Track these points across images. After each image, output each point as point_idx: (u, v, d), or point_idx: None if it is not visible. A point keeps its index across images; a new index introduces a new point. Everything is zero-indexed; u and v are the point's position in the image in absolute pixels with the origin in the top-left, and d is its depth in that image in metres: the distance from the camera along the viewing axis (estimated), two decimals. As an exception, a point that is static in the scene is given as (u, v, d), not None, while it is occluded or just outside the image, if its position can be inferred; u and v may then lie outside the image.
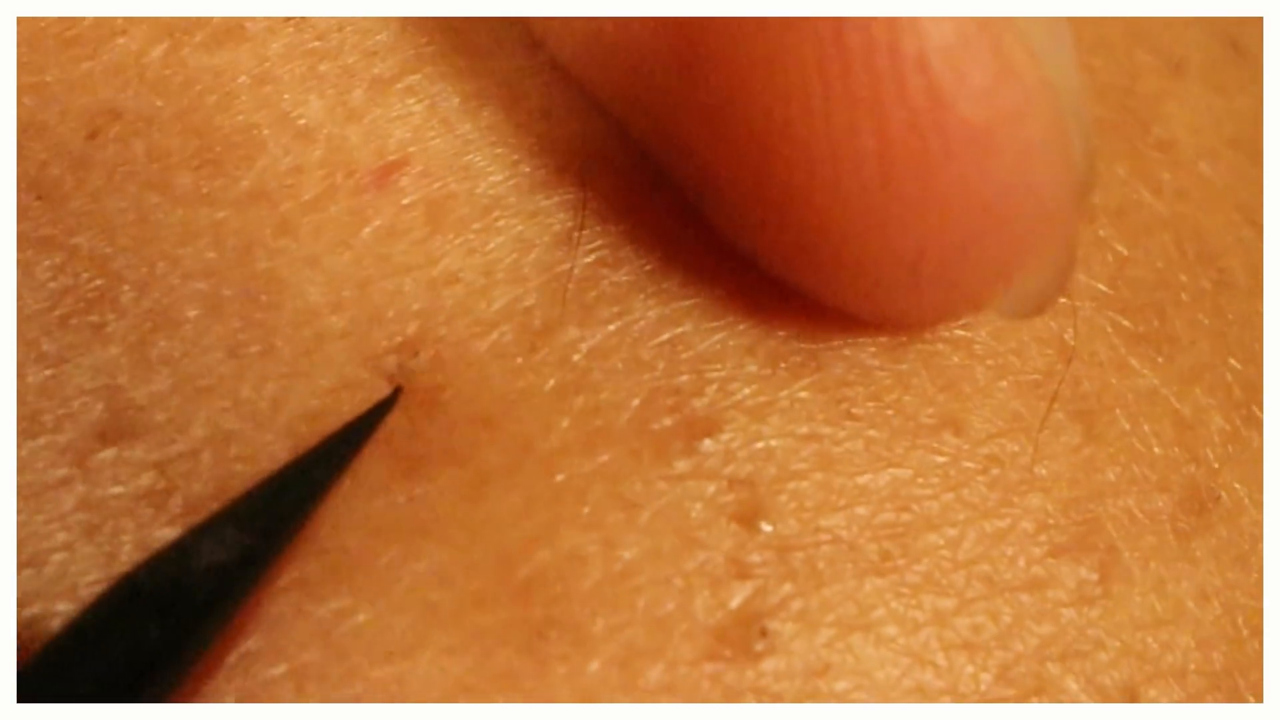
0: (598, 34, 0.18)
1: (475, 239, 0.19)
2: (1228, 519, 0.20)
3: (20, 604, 0.17)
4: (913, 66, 0.16)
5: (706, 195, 0.19)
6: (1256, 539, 0.20)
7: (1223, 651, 0.19)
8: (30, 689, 0.16)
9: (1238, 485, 0.20)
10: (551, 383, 0.19)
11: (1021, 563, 0.19)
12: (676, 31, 0.17)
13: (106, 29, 0.20)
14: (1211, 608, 0.19)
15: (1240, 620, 0.19)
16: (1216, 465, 0.20)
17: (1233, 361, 0.21)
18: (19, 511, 0.17)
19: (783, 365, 0.19)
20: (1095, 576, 0.19)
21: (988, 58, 0.16)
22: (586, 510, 0.18)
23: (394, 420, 0.18)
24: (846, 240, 0.17)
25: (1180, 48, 0.23)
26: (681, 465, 0.18)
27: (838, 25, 0.16)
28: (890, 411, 0.19)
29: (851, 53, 0.16)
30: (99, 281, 0.19)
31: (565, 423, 0.18)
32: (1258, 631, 0.19)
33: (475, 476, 0.18)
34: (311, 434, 0.18)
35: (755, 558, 0.18)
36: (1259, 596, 0.19)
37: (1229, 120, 0.23)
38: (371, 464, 0.18)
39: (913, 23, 0.15)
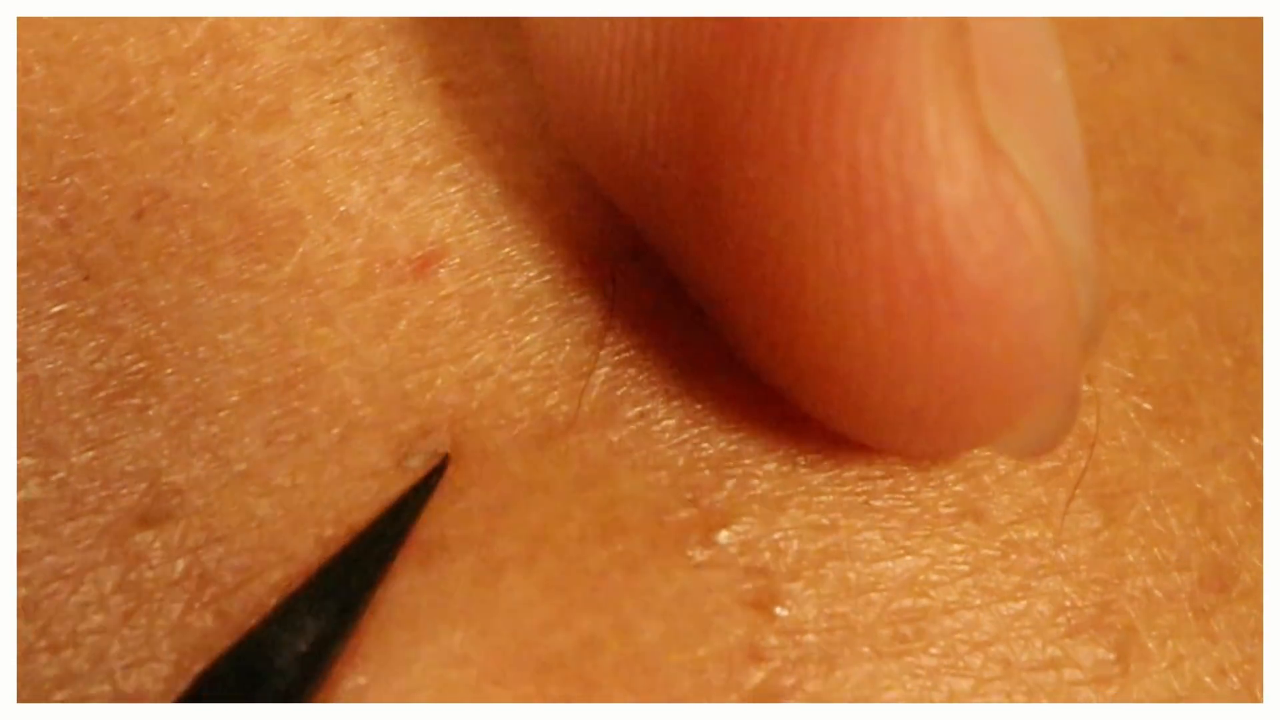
0: (617, 151, 0.18)
1: (509, 335, 0.19)
2: (1248, 596, 0.20)
3: (56, 685, 0.17)
4: (924, 229, 0.15)
5: (718, 318, 0.19)
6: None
7: None
8: None
9: (1259, 562, 0.20)
10: (570, 474, 0.19)
11: (1038, 644, 0.19)
12: (692, 167, 0.17)
13: (156, 107, 0.20)
14: (1229, 683, 0.19)
15: (1259, 694, 0.19)
16: (1238, 543, 0.20)
17: (1254, 439, 0.21)
18: (58, 592, 0.18)
19: (802, 461, 0.19)
20: (1112, 656, 0.19)
21: (999, 223, 0.16)
22: (603, 596, 0.18)
23: None
24: (848, 383, 0.17)
25: (1208, 123, 0.23)
26: (698, 555, 0.18)
27: (854, 183, 0.15)
28: (909, 503, 0.19)
29: (865, 211, 0.16)
30: (142, 364, 0.19)
31: (583, 513, 0.18)
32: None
33: (492, 562, 0.18)
34: (337, 526, 0.18)
35: (770, 641, 0.18)
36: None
37: (1254, 193, 0.23)
38: None
39: (929, 186, 0.15)
